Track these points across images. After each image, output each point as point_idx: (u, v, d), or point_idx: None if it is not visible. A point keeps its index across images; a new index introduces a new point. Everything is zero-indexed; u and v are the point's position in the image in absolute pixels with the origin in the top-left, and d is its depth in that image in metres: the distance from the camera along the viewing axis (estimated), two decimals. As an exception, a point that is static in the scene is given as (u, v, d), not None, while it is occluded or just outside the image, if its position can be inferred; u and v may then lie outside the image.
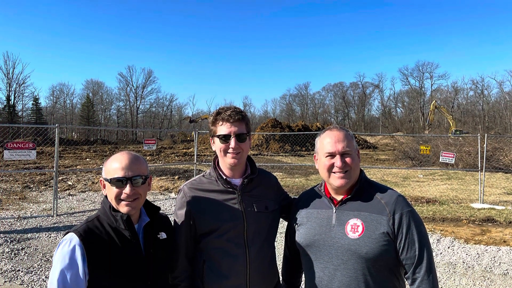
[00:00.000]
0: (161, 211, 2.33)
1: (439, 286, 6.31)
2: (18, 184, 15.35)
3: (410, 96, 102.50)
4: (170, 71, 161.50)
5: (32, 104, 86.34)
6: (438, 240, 8.18)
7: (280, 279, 2.59)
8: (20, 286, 5.89)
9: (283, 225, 2.50)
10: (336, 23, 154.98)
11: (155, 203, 2.44)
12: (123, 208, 2.03)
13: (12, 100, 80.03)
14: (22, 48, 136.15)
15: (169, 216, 2.40)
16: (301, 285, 2.65)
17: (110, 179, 2.02)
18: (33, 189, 14.66)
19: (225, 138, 2.28)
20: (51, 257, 6.93)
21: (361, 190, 2.18)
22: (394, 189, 2.23)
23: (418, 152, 22.32)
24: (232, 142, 2.26)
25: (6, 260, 6.81)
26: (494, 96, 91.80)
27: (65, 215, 10.27)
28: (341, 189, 2.18)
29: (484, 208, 11.40)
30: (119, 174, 2.01)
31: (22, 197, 12.71)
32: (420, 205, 11.95)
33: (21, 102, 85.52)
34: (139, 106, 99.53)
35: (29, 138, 35.61)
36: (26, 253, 7.22)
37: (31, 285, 5.93)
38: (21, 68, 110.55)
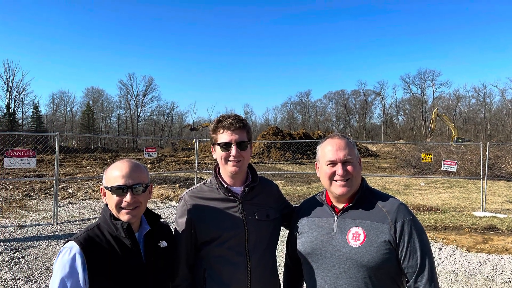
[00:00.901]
0: (161, 220, 2.32)
1: (442, 295, 6.27)
2: (18, 192, 15.34)
3: (412, 104, 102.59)
4: (170, 78, 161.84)
5: (32, 112, 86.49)
6: (440, 248, 8.15)
7: (281, 288, 2.57)
8: (19, 295, 5.86)
9: (284, 233, 2.48)
10: (337, 30, 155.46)
11: (156, 211, 2.43)
12: (123, 216, 2.02)
13: (12, 108, 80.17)
14: (22, 56, 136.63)
15: (170, 224, 2.39)
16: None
17: (111, 187, 2.02)
18: (33, 197, 14.65)
19: (226, 146, 2.27)
20: (51, 265, 6.91)
21: (363, 198, 2.17)
22: (396, 197, 2.22)
23: (420, 160, 22.33)
24: (233, 150, 2.26)
25: (6, 269, 6.78)
26: (496, 104, 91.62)
27: (66, 224, 10.25)
28: (342, 197, 2.17)
29: (486, 217, 11.36)
30: (120, 182, 2.01)
31: (22, 205, 12.69)
32: (422, 213, 11.91)
33: (21, 110, 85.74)
34: (139, 114, 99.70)
35: (29, 146, 35.64)
36: (26, 261, 7.20)
37: (31, 294, 5.90)
38: (21, 76, 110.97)
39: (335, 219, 2.17)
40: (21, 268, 6.88)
